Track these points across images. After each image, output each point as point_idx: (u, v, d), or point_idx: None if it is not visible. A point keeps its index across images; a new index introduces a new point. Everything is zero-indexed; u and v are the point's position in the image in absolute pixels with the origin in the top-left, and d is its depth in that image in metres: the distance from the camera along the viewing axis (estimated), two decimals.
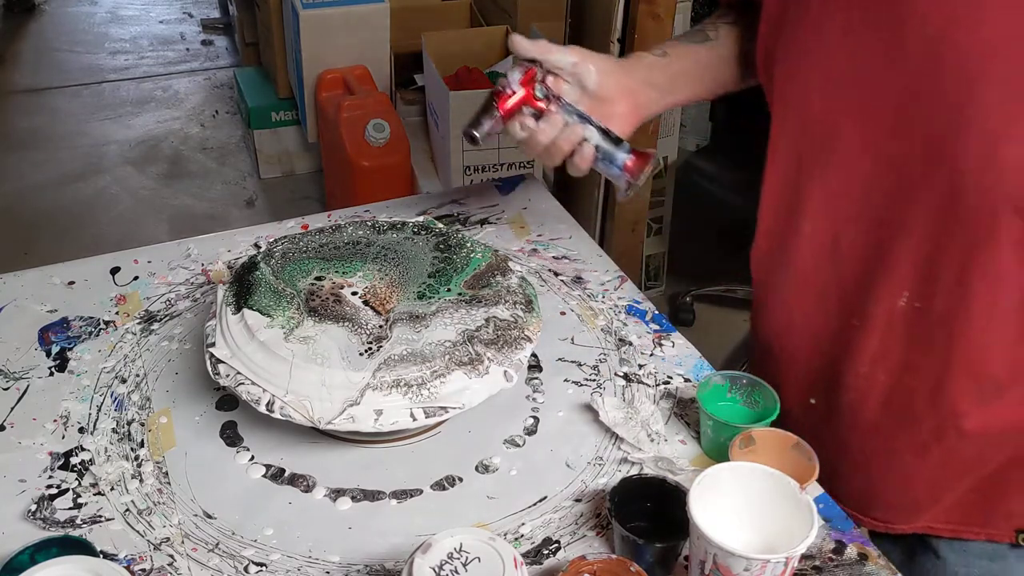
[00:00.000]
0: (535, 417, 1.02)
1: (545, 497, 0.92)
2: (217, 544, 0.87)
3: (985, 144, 0.77)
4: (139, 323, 1.14)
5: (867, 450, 0.96)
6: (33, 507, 0.90)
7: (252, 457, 0.96)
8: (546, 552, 0.87)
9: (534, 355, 1.08)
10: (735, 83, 1.09)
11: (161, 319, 1.15)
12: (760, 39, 0.96)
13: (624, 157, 0.99)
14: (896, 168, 0.85)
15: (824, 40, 0.87)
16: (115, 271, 1.22)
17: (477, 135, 0.99)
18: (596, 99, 1.00)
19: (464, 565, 0.74)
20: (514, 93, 0.97)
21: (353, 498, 0.92)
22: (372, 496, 0.92)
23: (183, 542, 0.87)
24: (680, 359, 1.09)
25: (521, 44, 0.97)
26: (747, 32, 1.05)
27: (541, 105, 0.97)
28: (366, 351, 0.93)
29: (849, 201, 0.90)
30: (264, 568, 0.85)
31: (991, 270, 0.83)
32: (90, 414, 1.01)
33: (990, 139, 0.77)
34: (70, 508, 0.90)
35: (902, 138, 0.83)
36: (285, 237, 1.10)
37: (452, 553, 0.74)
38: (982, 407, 0.89)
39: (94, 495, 0.92)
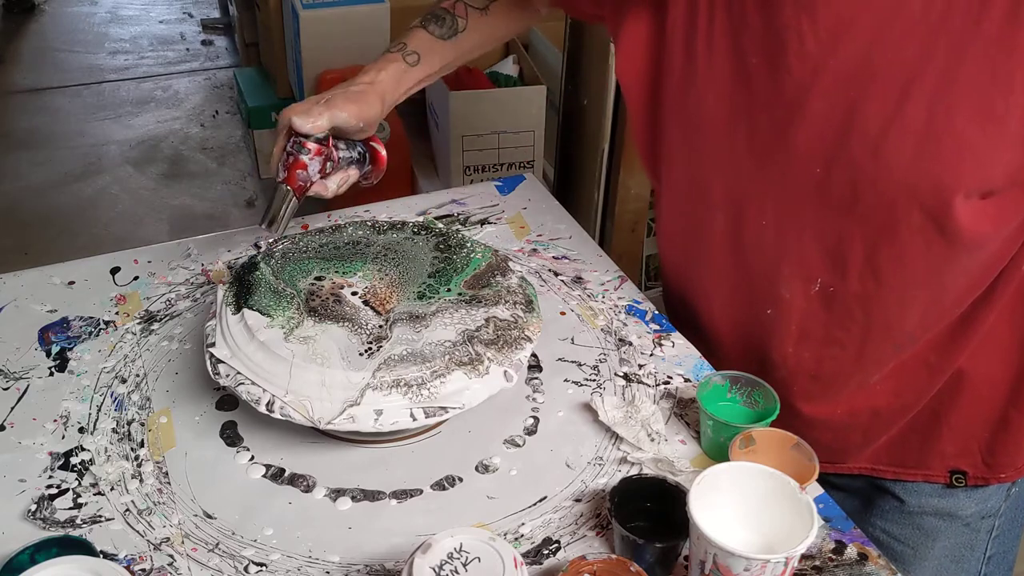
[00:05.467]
0: (535, 417, 1.02)
1: (545, 497, 0.92)
2: (217, 544, 0.87)
3: (870, 146, 0.84)
4: (139, 323, 1.14)
5: (802, 415, 1.03)
6: (33, 507, 0.90)
7: (252, 457, 0.96)
8: (546, 552, 0.87)
9: (534, 355, 1.08)
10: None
11: (161, 319, 1.15)
12: (633, 64, 1.01)
13: (369, 168, 1.09)
14: (793, 171, 0.90)
15: (712, 59, 0.92)
16: (115, 271, 1.22)
17: (278, 229, 1.00)
18: (356, 132, 1.06)
19: (464, 565, 0.74)
20: (314, 182, 1.01)
21: (353, 498, 0.92)
22: (372, 496, 0.92)
23: (183, 542, 0.87)
24: (680, 359, 1.09)
25: (304, 126, 0.99)
26: (518, 14, 1.16)
27: (329, 171, 1.03)
28: (366, 351, 0.93)
29: (748, 201, 0.96)
30: (264, 568, 0.85)
31: (897, 255, 0.89)
32: (90, 414, 1.01)
33: (874, 141, 0.84)
34: (70, 508, 0.90)
35: (793, 147, 0.89)
36: (285, 237, 1.10)
37: (452, 553, 0.74)
38: (899, 355, 0.98)
39: (94, 495, 0.92)
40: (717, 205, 0.99)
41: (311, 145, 0.99)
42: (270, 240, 1.11)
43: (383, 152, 1.05)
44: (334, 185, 1.02)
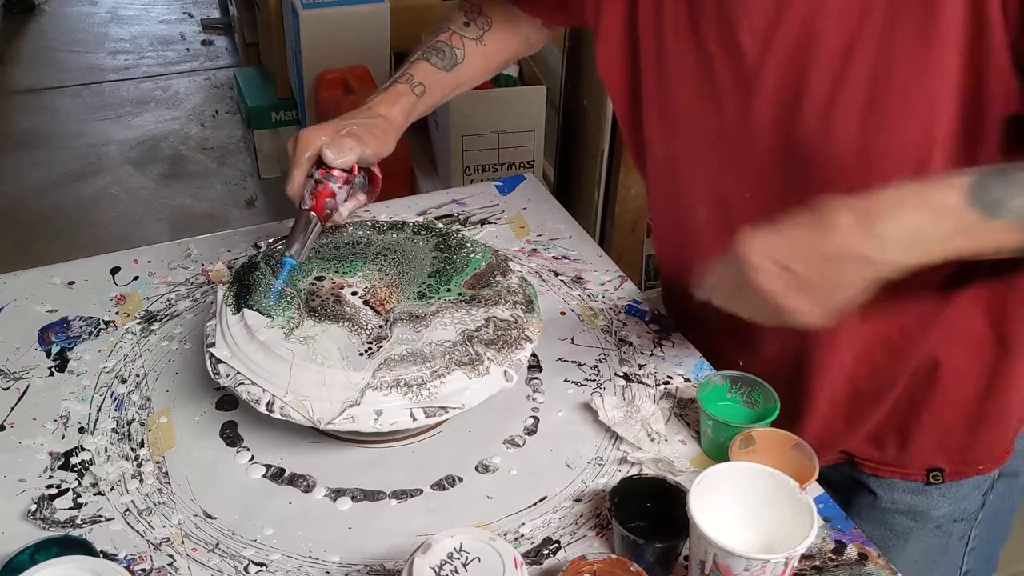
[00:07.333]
0: (535, 417, 1.02)
1: (545, 497, 0.92)
2: (217, 544, 0.87)
3: (819, 113, 0.85)
4: (139, 323, 1.14)
5: (791, 399, 1.02)
6: (33, 507, 0.90)
7: (252, 457, 0.96)
8: (546, 552, 0.87)
9: (534, 355, 1.08)
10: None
11: (161, 319, 1.15)
12: (612, 59, 1.03)
13: (368, 189, 1.09)
14: (761, 151, 0.92)
15: (680, 49, 0.94)
16: (115, 271, 1.22)
17: (303, 255, 1.01)
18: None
19: (464, 565, 0.74)
20: (338, 209, 1.04)
21: (353, 498, 0.92)
22: (372, 496, 0.92)
23: (183, 542, 0.87)
24: (680, 359, 1.09)
25: (335, 160, 1.01)
26: (511, 43, 1.19)
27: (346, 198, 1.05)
28: (366, 351, 0.93)
29: (727, 189, 0.97)
30: (264, 568, 0.85)
31: None
32: (90, 414, 1.01)
33: (822, 109, 0.85)
34: (70, 508, 0.90)
35: (756, 125, 0.91)
36: (285, 237, 1.10)
37: (452, 553, 0.74)
38: (866, 325, 0.97)
39: (94, 495, 0.92)
40: (700, 198, 1.00)
41: (338, 173, 1.01)
42: (270, 241, 1.11)
43: (379, 174, 1.09)
44: (347, 212, 1.05)
